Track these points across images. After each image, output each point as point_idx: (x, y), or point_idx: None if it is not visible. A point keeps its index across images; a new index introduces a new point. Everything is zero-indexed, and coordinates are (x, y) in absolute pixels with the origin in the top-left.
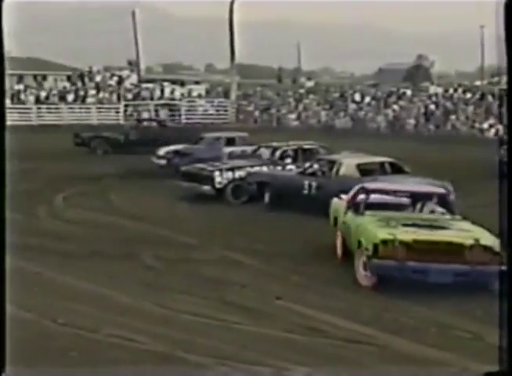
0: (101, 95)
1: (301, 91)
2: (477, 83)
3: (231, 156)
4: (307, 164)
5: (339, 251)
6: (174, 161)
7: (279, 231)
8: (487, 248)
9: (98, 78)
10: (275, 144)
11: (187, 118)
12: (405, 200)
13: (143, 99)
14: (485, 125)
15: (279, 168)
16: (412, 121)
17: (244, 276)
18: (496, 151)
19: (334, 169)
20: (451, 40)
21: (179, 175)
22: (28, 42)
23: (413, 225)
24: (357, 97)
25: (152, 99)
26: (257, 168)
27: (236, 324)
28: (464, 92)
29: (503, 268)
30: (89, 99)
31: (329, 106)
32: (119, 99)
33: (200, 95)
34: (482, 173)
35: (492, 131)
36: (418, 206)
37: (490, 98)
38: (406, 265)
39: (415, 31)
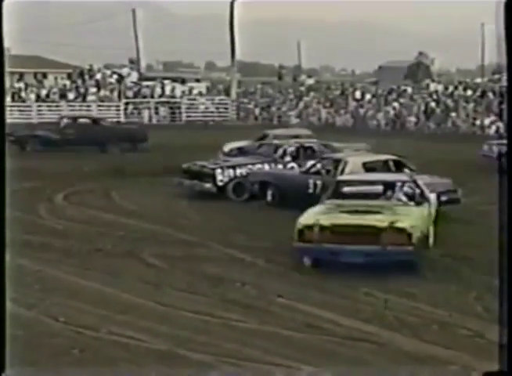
0: (101, 93)
1: (302, 88)
2: (478, 80)
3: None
4: (310, 163)
5: None
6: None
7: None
8: (400, 230)
9: (98, 76)
10: (276, 142)
11: (187, 116)
12: (379, 188)
13: (144, 96)
14: (486, 122)
15: (281, 166)
16: (412, 119)
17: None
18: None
19: (340, 168)
20: (452, 38)
21: (181, 173)
22: (28, 40)
23: (353, 211)
24: (357, 95)
25: (152, 96)
26: (258, 166)
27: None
28: (465, 89)
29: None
30: (90, 97)
31: (330, 103)
32: (119, 96)
33: (200, 93)
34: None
35: (493, 128)
36: (389, 193)
37: (491, 95)
38: (323, 247)
39: (415, 29)
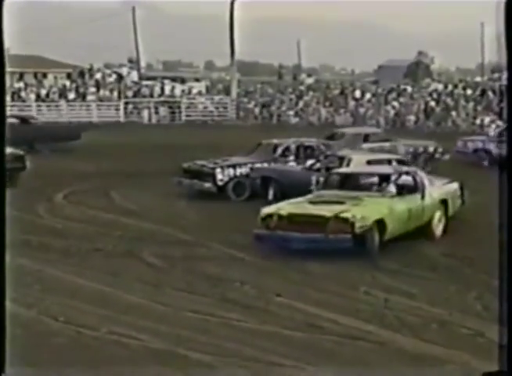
0: (101, 92)
1: (302, 88)
2: (478, 79)
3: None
4: (310, 161)
5: None
6: None
7: None
8: (344, 220)
9: (98, 76)
10: (276, 141)
11: (187, 115)
12: (374, 180)
13: (143, 96)
14: (486, 121)
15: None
16: (412, 118)
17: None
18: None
19: (344, 164)
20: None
21: (181, 172)
22: (28, 40)
23: (320, 202)
24: (357, 94)
25: (152, 96)
26: (258, 165)
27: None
28: (464, 88)
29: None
30: (89, 97)
31: (330, 103)
32: (119, 96)
33: (200, 93)
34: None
35: (493, 127)
36: (383, 185)
37: (491, 94)
38: (276, 234)
39: (415, 28)
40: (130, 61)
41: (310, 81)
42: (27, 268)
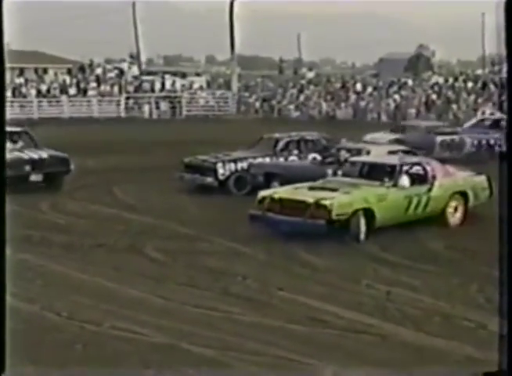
0: (102, 87)
1: (302, 82)
2: (479, 72)
3: (442, 144)
4: (312, 155)
5: None
6: None
7: None
8: (323, 206)
9: (99, 71)
10: (277, 135)
11: (188, 110)
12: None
13: (144, 91)
14: (486, 114)
15: (282, 158)
16: (413, 111)
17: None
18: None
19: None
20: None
21: (182, 167)
22: (28, 35)
23: (318, 188)
24: (358, 87)
25: (153, 91)
26: (259, 160)
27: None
28: (465, 81)
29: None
30: (90, 92)
31: (331, 96)
32: (120, 91)
33: (201, 87)
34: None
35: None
36: (396, 174)
37: (492, 87)
38: (266, 216)
39: (416, 21)
40: (131, 56)
41: (311, 74)
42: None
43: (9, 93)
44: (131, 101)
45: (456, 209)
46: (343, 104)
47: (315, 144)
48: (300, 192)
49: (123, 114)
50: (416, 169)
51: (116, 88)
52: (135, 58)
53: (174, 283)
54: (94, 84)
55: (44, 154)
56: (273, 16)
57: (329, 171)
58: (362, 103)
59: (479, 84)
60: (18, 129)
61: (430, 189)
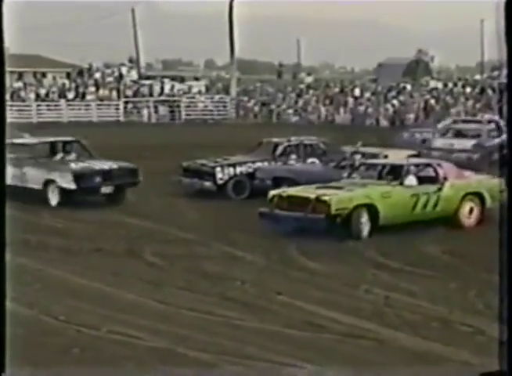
0: (101, 92)
1: (301, 86)
2: (477, 77)
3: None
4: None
5: None
6: None
7: None
8: (323, 202)
9: (97, 75)
10: (276, 140)
11: (187, 114)
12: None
13: (143, 95)
14: (485, 119)
15: (293, 162)
16: (411, 116)
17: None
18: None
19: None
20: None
21: (180, 171)
22: (27, 39)
23: (325, 187)
24: (357, 92)
25: (151, 95)
26: (258, 164)
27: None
28: (464, 86)
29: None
30: (89, 96)
31: (329, 101)
32: (119, 95)
33: (199, 92)
34: None
35: (492, 125)
36: (403, 174)
37: (490, 92)
38: (273, 213)
39: (415, 26)
40: (130, 60)
41: (310, 79)
42: None
43: (7, 97)
44: (129, 105)
45: (471, 210)
46: (342, 109)
47: (314, 149)
48: (307, 190)
49: (122, 118)
50: (427, 171)
51: (115, 93)
52: (134, 62)
53: (171, 287)
54: (93, 89)
55: (114, 165)
56: (273, 21)
57: (344, 175)
58: (361, 108)
59: (477, 90)
60: (70, 139)
61: (440, 189)
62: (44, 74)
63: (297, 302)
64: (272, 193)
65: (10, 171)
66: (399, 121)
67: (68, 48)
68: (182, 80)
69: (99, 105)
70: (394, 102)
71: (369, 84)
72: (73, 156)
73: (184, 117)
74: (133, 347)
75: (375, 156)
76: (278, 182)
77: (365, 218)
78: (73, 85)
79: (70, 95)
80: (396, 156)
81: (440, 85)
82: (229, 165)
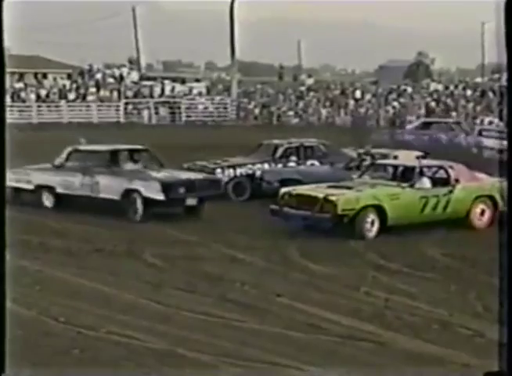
0: (101, 93)
1: (302, 88)
2: (478, 80)
3: None
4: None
5: None
6: None
7: None
8: (329, 201)
9: (98, 76)
10: (276, 141)
11: (187, 116)
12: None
13: (143, 96)
14: (486, 122)
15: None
16: (412, 118)
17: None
18: None
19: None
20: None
21: None
22: (28, 40)
23: (334, 186)
24: (357, 94)
25: (152, 96)
26: (258, 166)
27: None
28: (464, 88)
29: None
30: (89, 97)
31: (330, 103)
32: (119, 96)
33: (200, 93)
34: None
35: (493, 127)
36: (414, 176)
37: (491, 95)
38: (283, 210)
39: (416, 28)
40: (130, 61)
41: (310, 81)
42: None
43: (8, 98)
44: (130, 106)
45: (482, 212)
46: (342, 111)
47: (314, 151)
48: (317, 189)
49: (122, 119)
50: (440, 173)
51: (115, 94)
52: (134, 63)
53: (170, 288)
54: (93, 90)
55: (198, 175)
56: (273, 23)
57: (354, 176)
58: (362, 110)
59: (478, 92)
60: (139, 147)
61: (451, 191)
62: (44, 75)
63: (297, 304)
64: (283, 190)
65: (78, 180)
66: (399, 123)
67: (69, 49)
68: (182, 81)
69: (99, 106)
70: (395, 104)
71: (369, 87)
72: (140, 165)
73: (184, 118)
74: (133, 348)
75: (385, 156)
76: (285, 184)
77: (372, 219)
78: (74, 86)
79: (71, 96)
80: (406, 157)
81: (440, 87)
82: (229, 167)
